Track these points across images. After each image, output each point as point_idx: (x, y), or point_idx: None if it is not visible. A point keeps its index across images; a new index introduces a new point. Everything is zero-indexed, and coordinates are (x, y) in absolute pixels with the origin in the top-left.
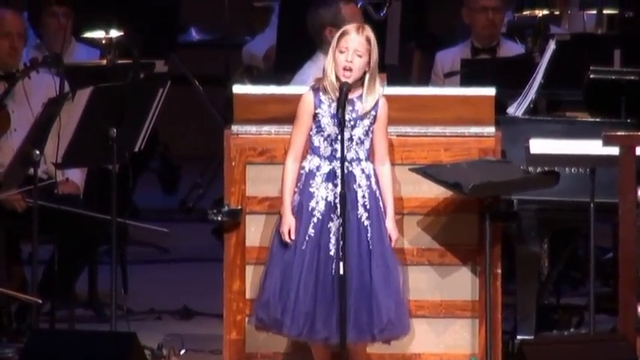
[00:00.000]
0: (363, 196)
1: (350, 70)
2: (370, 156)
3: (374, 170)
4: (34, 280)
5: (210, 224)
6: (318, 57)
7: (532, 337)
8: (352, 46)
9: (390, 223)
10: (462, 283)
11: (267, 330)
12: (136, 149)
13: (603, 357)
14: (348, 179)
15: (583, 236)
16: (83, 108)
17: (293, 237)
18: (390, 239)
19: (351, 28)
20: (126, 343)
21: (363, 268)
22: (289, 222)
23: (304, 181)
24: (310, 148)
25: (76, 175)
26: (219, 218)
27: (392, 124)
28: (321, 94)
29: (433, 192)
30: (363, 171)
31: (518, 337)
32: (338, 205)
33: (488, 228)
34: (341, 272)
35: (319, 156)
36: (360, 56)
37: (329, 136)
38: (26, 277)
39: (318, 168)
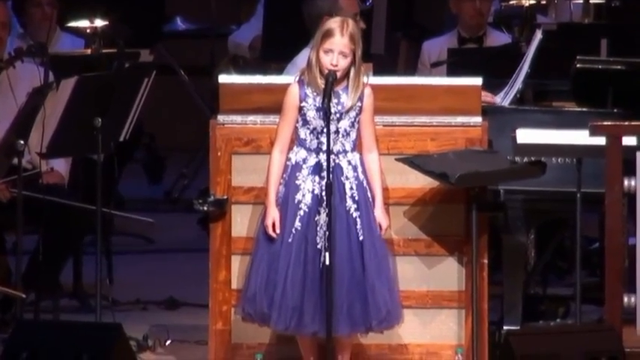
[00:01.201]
0: (351, 188)
1: (335, 71)
2: (358, 145)
3: (360, 160)
4: (18, 270)
5: (196, 214)
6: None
7: (518, 328)
8: (337, 49)
9: (379, 212)
10: (448, 274)
11: (254, 322)
12: (122, 139)
13: (590, 347)
14: (335, 172)
15: (569, 226)
16: (68, 98)
17: (278, 230)
18: (380, 228)
19: (335, 27)
20: (111, 333)
21: (355, 261)
22: (273, 215)
23: (290, 173)
24: (297, 141)
25: (61, 165)
26: (205, 208)
27: (378, 113)
28: (306, 86)
29: (420, 182)
30: (349, 162)
31: (505, 327)
32: (325, 198)
33: (474, 218)
34: (327, 263)
35: (305, 148)
36: (345, 57)
37: (315, 129)
38: (10, 267)
39: (304, 160)
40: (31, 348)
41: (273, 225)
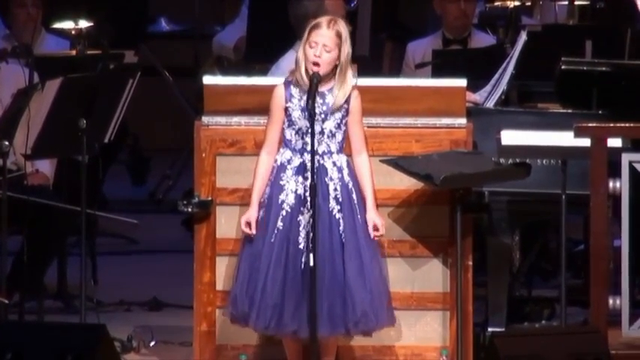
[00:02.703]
0: (335, 189)
1: (318, 65)
2: (346, 147)
3: (346, 162)
4: (2, 271)
5: (180, 215)
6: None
7: (503, 330)
8: (321, 41)
9: (371, 213)
10: (433, 275)
11: (239, 324)
12: (106, 140)
13: (575, 349)
14: (319, 172)
15: (554, 228)
16: (53, 99)
17: (254, 230)
18: (376, 229)
19: (323, 21)
20: (95, 334)
21: (336, 262)
22: (250, 214)
23: (275, 173)
24: (283, 142)
25: (46, 166)
26: (190, 209)
27: (363, 115)
28: (292, 87)
29: (404, 183)
30: (334, 164)
31: (490, 329)
32: (308, 198)
33: (459, 220)
34: (311, 264)
35: (291, 149)
36: (328, 51)
37: (300, 129)
38: None
39: (289, 161)
40: (16, 349)
41: (250, 225)
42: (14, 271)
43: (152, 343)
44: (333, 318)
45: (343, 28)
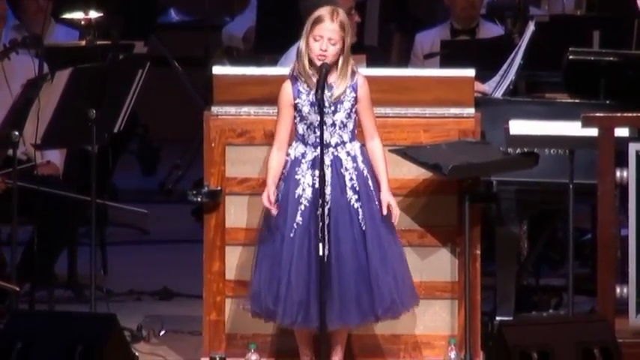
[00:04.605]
0: (351, 179)
1: (325, 57)
2: (358, 134)
3: (360, 149)
4: (13, 261)
5: (190, 205)
6: None
7: (511, 318)
8: (326, 35)
9: (385, 194)
10: (441, 265)
11: (262, 318)
12: (116, 130)
13: (582, 338)
14: (334, 164)
15: (562, 217)
16: (62, 89)
17: (274, 210)
18: (390, 211)
19: (325, 13)
20: (105, 324)
21: (359, 251)
22: (270, 191)
23: (289, 168)
24: (295, 136)
25: (56, 157)
26: (199, 199)
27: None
28: (299, 83)
29: (413, 173)
30: (348, 153)
31: (498, 318)
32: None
33: (467, 209)
34: (320, 253)
35: (304, 143)
36: (334, 44)
37: (312, 124)
38: (5, 258)
39: (303, 155)
40: (26, 338)
41: (270, 199)
42: (25, 261)
43: (162, 333)
44: (361, 307)
45: (345, 18)
